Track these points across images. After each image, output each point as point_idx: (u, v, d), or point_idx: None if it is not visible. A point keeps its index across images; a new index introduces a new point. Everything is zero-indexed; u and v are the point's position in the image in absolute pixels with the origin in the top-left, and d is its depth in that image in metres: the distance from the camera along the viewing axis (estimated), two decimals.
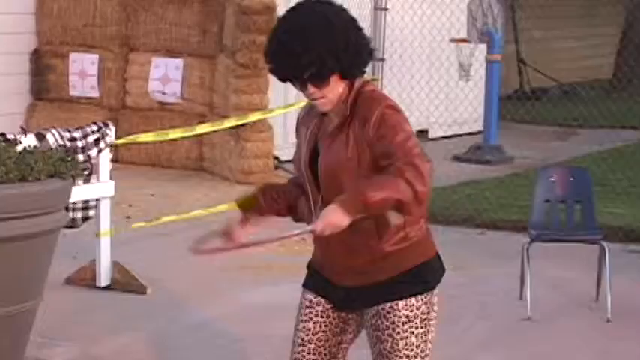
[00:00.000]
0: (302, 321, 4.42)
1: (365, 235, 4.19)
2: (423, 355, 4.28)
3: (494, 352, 7.02)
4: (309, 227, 4.08)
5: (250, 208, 4.56)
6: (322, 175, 4.24)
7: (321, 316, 4.40)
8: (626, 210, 10.89)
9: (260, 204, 4.55)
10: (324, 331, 4.40)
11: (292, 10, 4.25)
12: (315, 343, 4.40)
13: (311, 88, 4.17)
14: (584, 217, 8.22)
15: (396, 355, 4.25)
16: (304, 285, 4.48)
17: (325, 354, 4.41)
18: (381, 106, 4.14)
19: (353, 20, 4.26)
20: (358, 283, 4.27)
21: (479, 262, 9.14)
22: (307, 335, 4.40)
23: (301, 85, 4.19)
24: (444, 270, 4.42)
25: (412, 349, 4.25)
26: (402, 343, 4.24)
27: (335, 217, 3.97)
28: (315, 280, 4.44)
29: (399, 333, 4.24)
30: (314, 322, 4.40)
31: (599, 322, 7.68)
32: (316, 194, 4.29)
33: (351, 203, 3.97)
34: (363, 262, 4.25)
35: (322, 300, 4.39)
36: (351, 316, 4.41)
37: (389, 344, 4.25)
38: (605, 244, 7.91)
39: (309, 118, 4.37)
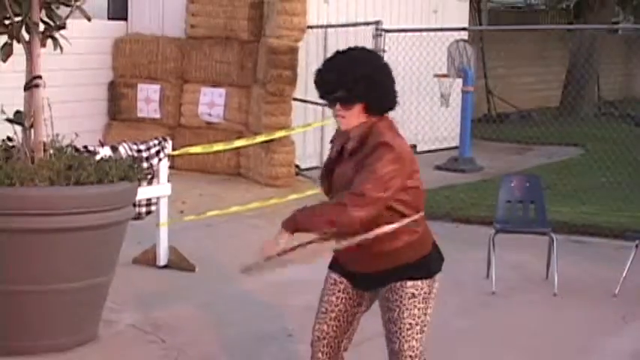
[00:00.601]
0: (326, 295, 4.43)
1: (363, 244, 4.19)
2: (422, 324, 4.29)
3: (467, 319, 6.99)
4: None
5: None
6: (335, 186, 4.26)
7: (343, 293, 4.41)
8: (570, 209, 10.83)
9: None
10: (343, 304, 4.41)
11: (346, 50, 4.28)
12: (336, 313, 4.41)
13: (338, 106, 4.17)
14: (537, 214, 8.18)
15: (401, 322, 4.25)
16: (330, 267, 4.48)
17: (343, 321, 4.42)
18: (377, 142, 4.09)
19: (387, 69, 4.24)
20: (364, 271, 4.30)
21: (455, 249, 9.05)
22: (330, 306, 4.42)
23: (331, 101, 4.19)
24: (442, 259, 4.42)
25: (414, 319, 4.26)
26: (406, 313, 4.25)
27: (273, 237, 4.18)
28: (339, 266, 4.43)
29: (404, 305, 4.24)
30: (336, 297, 4.41)
31: (548, 296, 7.64)
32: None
33: (287, 223, 4.14)
34: (365, 257, 4.26)
35: (344, 280, 4.41)
36: (366, 294, 4.42)
37: (396, 313, 4.25)
38: (553, 235, 7.88)
39: (339, 138, 4.35)
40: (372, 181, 4.02)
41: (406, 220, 4.19)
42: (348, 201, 4.01)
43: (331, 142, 4.45)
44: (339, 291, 4.41)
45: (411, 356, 4.26)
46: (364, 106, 4.16)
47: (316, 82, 4.23)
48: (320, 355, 4.43)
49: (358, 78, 4.10)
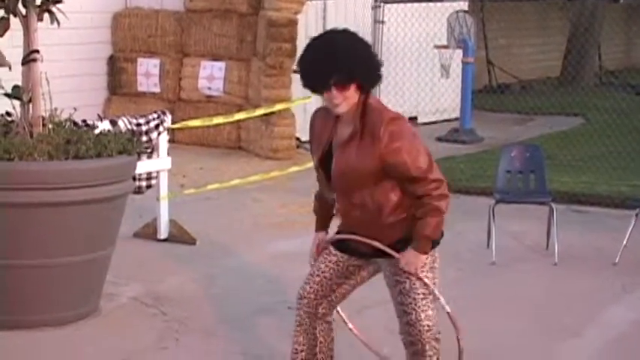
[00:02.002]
0: (319, 262, 4.52)
1: (370, 214, 4.23)
2: (430, 296, 4.34)
3: (467, 289, 7.00)
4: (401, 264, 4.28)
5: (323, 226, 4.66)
6: (335, 176, 4.27)
7: (333, 264, 4.47)
8: (571, 179, 10.84)
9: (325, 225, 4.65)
10: (330, 273, 4.48)
11: (322, 34, 4.26)
12: (320, 278, 4.49)
13: (334, 91, 4.11)
14: (537, 184, 8.18)
15: (415, 292, 4.29)
16: (331, 243, 4.52)
17: (324, 285, 4.48)
18: (385, 122, 4.11)
19: (369, 45, 4.28)
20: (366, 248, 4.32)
21: (455, 220, 9.04)
22: (317, 271, 4.50)
23: (326, 89, 4.11)
24: (442, 234, 4.42)
25: (423, 290, 4.30)
26: (418, 283, 4.29)
27: (417, 260, 4.25)
28: (341, 244, 4.46)
29: (415, 275, 4.27)
30: (325, 265, 4.48)
31: (548, 266, 7.66)
32: (329, 187, 4.36)
33: (423, 246, 4.24)
34: (374, 232, 4.28)
35: (339, 254, 4.45)
36: (358, 272, 4.47)
37: (407, 284, 4.29)
38: (553, 205, 7.88)
39: (326, 121, 4.31)
40: (426, 172, 4.17)
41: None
42: (431, 193, 4.18)
43: (313, 121, 4.40)
44: (329, 261, 4.47)
45: (429, 325, 4.30)
46: (357, 85, 4.14)
47: (306, 70, 4.16)
48: (301, 312, 4.52)
49: (351, 57, 4.09)
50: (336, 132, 4.26)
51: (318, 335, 4.52)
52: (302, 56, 4.20)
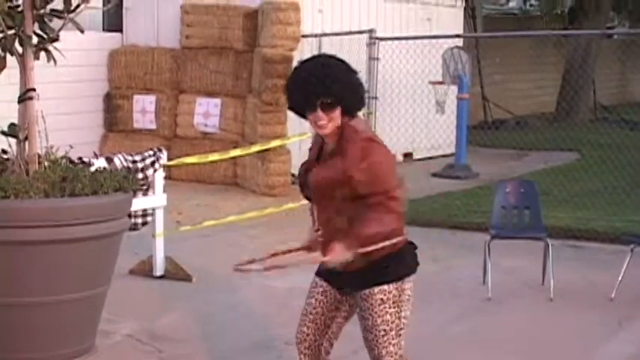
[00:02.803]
0: (308, 297, 4.53)
1: (343, 235, 4.21)
2: (397, 329, 4.31)
3: (462, 325, 7.00)
4: (322, 258, 4.26)
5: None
6: (313, 186, 4.32)
7: (321, 295, 4.47)
8: (566, 214, 10.86)
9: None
10: (321, 307, 4.48)
11: (312, 57, 4.36)
12: (313, 315, 4.48)
13: (320, 113, 4.20)
14: (533, 220, 8.20)
15: (376, 329, 4.29)
16: (316, 273, 4.54)
17: (320, 324, 4.47)
18: (358, 140, 4.17)
19: (354, 71, 4.33)
20: (346, 269, 4.28)
21: (451, 255, 9.12)
22: (309, 308, 4.50)
23: (312, 110, 4.20)
24: (416, 263, 4.41)
25: (388, 325, 4.28)
26: (379, 320, 4.28)
27: (339, 253, 4.15)
28: (322, 270, 4.48)
29: (376, 312, 4.28)
30: (315, 299, 4.49)
31: (544, 301, 7.65)
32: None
33: (350, 243, 4.14)
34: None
35: (324, 284, 4.47)
36: (345, 300, 4.46)
37: (370, 321, 4.30)
38: (548, 240, 7.89)
39: (315, 148, 4.42)
40: (387, 184, 4.15)
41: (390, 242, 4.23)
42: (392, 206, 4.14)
43: (310, 150, 4.49)
44: (317, 293, 4.48)
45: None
46: (342, 109, 4.23)
47: (296, 92, 4.24)
48: (302, 356, 4.50)
49: (339, 81, 4.17)
50: (323, 151, 4.35)
51: None
52: (291, 76, 4.30)
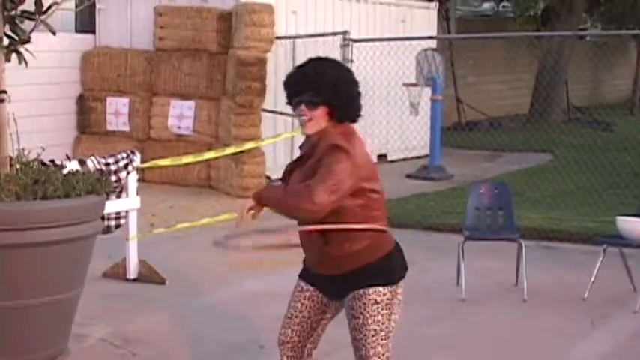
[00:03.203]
0: (293, 301, 4.51)
1: (319, 246, 4.27)
2: (387, 330, 4.31)
3: (437, 327, 7.02)
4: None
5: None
6: None
7: (308, 300, 4.46)
8: (539, 215, 10.92)
9: None
10: (307, 311, 4.47)
11: (320, 57, 4.42)
12: (299, 319, 4.48)
13: (303, 107, 4.26)
14: (506, 221, 8.23)
15: (366, 329, 4.28)
16: (299, 275, 4.53)
17: (306, 327, 4.48)
18: (330, 145, 4.17)
19: (355, 81, 4.36)
20: (332, 272, 4.32)
21: (425, 257, 9.14)
22: (295, 311, 4.49)
23: (297, 103, 4.28)
24: (405, 268, 4.42)
25: (378, 325, 4.29)
26: (370, 320, 4.28)
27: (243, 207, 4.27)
28: (307, 273, 4.48)
29: (368, 312, 4.27)
30: (301, 304, 4.47)
31: (517, 302, 7.68)
32: None
33: (255, 195, 4.27)
34: (323, 260, 4.32)
35: (310, 288, 4.46)
36: (332, 303, 4.47)
37: (361, 320, 4.29)
38: (522, 241, 7.93)
39: (304, 146, 4.44)
40: (328, 177, 4.09)
41: (362, 226, 4.22)
42: (310, 190, 4.07)
43: (300, 148, 4.51)
44: (304, 298, 4.47)
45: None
46: (328, 111, 4.23)
47: (285, 84, 4.35)
48: (285, 358, 4.50)
49: (325, 80, 4.22)
50: (305, 152, 4.38)
51: None
52: (290, 71, 4.40)
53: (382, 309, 4.28)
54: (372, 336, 4.28)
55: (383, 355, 4.31)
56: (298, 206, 4.10)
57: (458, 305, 7.59)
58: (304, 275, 4.50)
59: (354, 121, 4.36)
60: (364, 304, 4.27)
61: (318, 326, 4.51)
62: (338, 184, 4.10)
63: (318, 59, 4.39)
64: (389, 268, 4.34)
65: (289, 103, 4.36)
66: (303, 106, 4.26)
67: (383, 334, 4.30)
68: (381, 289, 4.28)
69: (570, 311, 7.44)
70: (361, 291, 4.27)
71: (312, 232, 4.27)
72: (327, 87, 4.21)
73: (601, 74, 30.51)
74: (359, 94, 4.36)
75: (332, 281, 4.36)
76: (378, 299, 4.27)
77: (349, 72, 4.39)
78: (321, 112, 4.24)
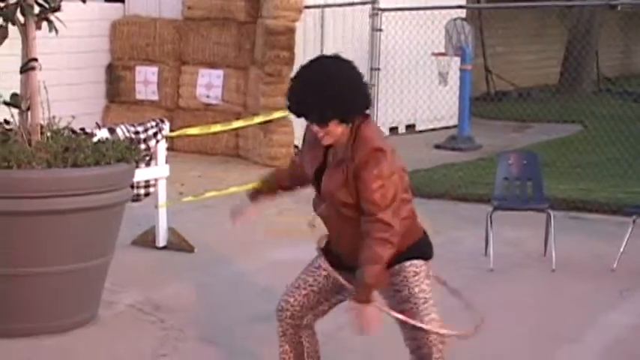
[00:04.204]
0: (305, 274, 4.47)
1: (359, 234, 4.11)
2: (430, 300, 4.31)
3: (466, 295, 7.00)
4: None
5: (266, 187, 4.74)
6: (323, 193, 4.25)
7: (323, 278, 4.42)
8: (568, 186, 10.86)
9: (273, 185, 4.74)
10: (318, 287, 4.44)
11: (308, 67, 4.21)
12: (307, 291, 4.44)
13: (315, 127, 4.15)
14: (535, 191, 8.20)
15: (415, 297, 4.27)
16: (322, 251, 4.46)
17: (312, 299, 4.44)
18: (368, 149, 4.08)
19: (356, 75, 4.19)
20: (355, 264, 4.15)
21: (453, 227, 9.13)
22: (304, 284, 4.45)
23: (309, 123, 4.18)
24: (431, 248, 4.42)
25: (426, 293, 4.29)
26: (417, 289, 4.28)
27: (364, 315, 4.06)
28: (332, 255, 4.41)
29: (412, 282, 4.27)
30: (314, 279, 4.44)
31: (546, 272, 7.67)
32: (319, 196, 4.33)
33: (364, 294, 4.04)
34: (357, 252, 4.15)
35: (329, 267, 4.38)
36: (348, 287, 4.34)
37: (406, 291, 4.27)
38: (551, 212, 7.90)
39: (318, 141, 4.28)
40: (385, 200, 4.03)
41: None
42: (373, 233, 4.03)
43: (306, 132, 4.37)
44: (319, 275, 4.41)
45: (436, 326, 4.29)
46: (339, 121, 4.12)
47: (288, 106, 4.20)
48: (284, 324, 4.46)
49: (328, 99, 4.06)
50: (328, 154, 4.27)
51: (303, 342, 4.51)
52: (288, 89, 4.22)
53: (423, 279, 4.29)
54: (423, 304, 4.26)
55: (439, 321, 4.28)
56: (374, 258, 4.01)
57: (486, 275, 7.59)
58: (328, 252, 4.43)
59: (365, 111, 4.25)
60: (405, 277, 4.27)
61: (325, 303, 4.47)
62: (394, 199, 4.05)
63: (316, 68, 4.17)
64: (421, 249, 4.36)
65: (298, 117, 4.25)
66: (314, 126, 4.14)
67: (432, 301, 4.29)
68: (416, 262, 4.29)
69: (599, 282, 7.42)
70: (397, 267, 4.24)
71: (344, 230, 4.22)
72: (331, 104, 4.06)
73: (632, 44, 30.17)
74: (364, 85, 4.21)
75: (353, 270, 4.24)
76: (417, 270, 4.28)
77: (350, 69, 4.18)
78: (332, 125, 4.11)
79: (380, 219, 4.02)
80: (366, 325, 4.08)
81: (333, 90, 4.08)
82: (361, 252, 4.04)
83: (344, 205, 4.16)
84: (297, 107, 4.16)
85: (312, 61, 4.25)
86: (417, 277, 4.28)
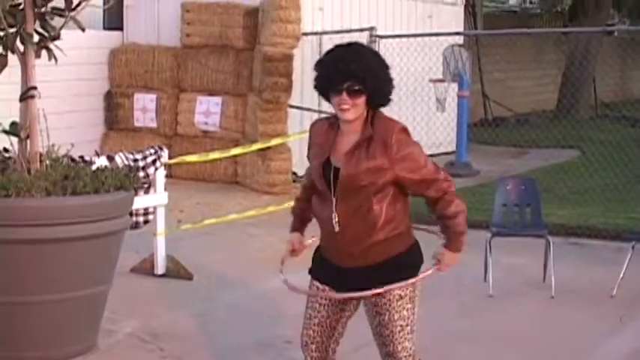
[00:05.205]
0: (310, 302, 4.49)
1: (366, 226, 4.21)
2: (412, 324, 4.33)
3: (464, 322, 7.01)
4: (434, 269, 4.35)
5: (301, 229, 4.74)
6: (341, 183, 4.23)
7: (325, 299, 4.43)
8: (567, 211, 10.87)
9: (303, 223, 4.75)
10: (325, 311, 4.45)
11: (348, 43, 4.33)
12: (319, 319, 4.46)
13: (345, 96, 4.17)
14: (534, 217, 8.20)
15: (393, 325, 4.28)
16: (312, 276, 4.50)
17: (327, 326, 4.46)
18: (395, 130, 4.20)
19: (388, 68, 4.32)
20: (356, 265, 4.27)
21: None
22: (314, 312, 4.47)
23: (338, 92, 4.18)
24: (422, 259, 4.42)
25: (405, 320, 4.29)
26: (396, 316, 4.28)
27: (456, 259, 4.41)
28: (322, 270, 4.44)
29: (394, 307, 4.27)
30: (319, 304, 4.45)
31: (545, 299, 7.65)
32: (330, 197, 4.27)
33: (460, 244, 4.39)
34: (361, 248, 4.25)
35: (326, 288, 4.41)
36: (350, 301, 4.42)
37: (387, 316, 4.29)
38: (549, 238, 7.90)
39: (326, 131, 4.35)
40: (436, 175, 4.28)
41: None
42: (447, 190, 4.30)
43: (311, 140, 4.41)
44: (321, 298, 4.44)
45: (405, 356, 4.31)
46: (367, 98, 4.20)
47: (326, 71, 4.23)
48: (310, 359, 4.49)
49: (367, 70, 4.17)
50: (336, 144, 4.29)
51: None
52: (324, 57, 4.30)
53: (407, 303, 4.28)
54: (399, 332, 4.28)
55: (410, 349, 4.31)
56: (460, 208, 4.36)
57: (485, 301, 7.58)
58: (317, 275, 4.47)
59: (386, 105, 4.34)
60: (389, 300, 4.27)
61: (338, 325, 4.48)
62: (434, 163, 4.31)
63: (354, 45, 4.29)
64: (411, 262, 4.33)
65: (326, 89, 4.26)
66: (344, 95, 4.17)
67: (409, 328, 4.30)
68: (403, 283, 4.26)
69: (598, 308, 7.40)
70: (384, 287, 4.23)
71: (359, 216, 4.24)
72: (369, 76, 4.16)
73: (629, 70, 30.29)
74: (392, 79, 4.32)
75: (352, 274, 4.31)
76: (402, 294, 4.27)
77: (382, 58, 4.34)
78: (361, 100, 4.19)
79: (445, 178, 4.30)
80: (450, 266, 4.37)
81: (383, 70, 4.26)
82: (443, 209, 4.31)
83: (360, 189, 4.19)
84: (338, 69, 4.18)
85: (360, 43, 4.44)
86: (400, 302, 4.28)
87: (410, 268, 4.31)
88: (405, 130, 4.24)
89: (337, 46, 4.31)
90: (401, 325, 4.28)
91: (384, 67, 4.28)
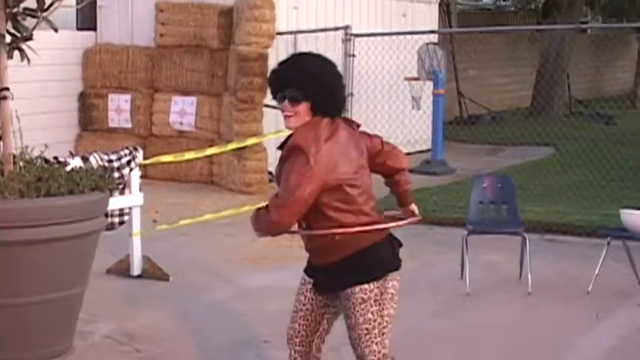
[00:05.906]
0: (298, 294, 4.53)
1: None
2: (380, 327, 4.28)
3: (441, 321, 7.02)
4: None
5: None
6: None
7: (309, 292, 4.47)
8: (542, 208, 10.91)
9: None
10: (310, 304, 4.47)
11: (303, 53, 4.45)
12: (304, 312, 4.48)
13: (286, 104, 4.24)
14: (510, 215, 8.22)
15: (358, 328, 4.28)
16: (304, 269, 4.54)
17: (311, 320, 4.48)
18: (290, 145, 4.17)
19: (338, 75, 4.33)
20: (321, 262, 4.34)
21: (429, 251, 9.14)
22: (299, 305, 4.50)
23: (281, 99, 4.26)
24: (394, 262, 4.36)
25: (370, 323, 4.26)
26: (361, 319, 4.27)
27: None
28: (308, 265, 4.51)
29: (358, 311, 4.26)
30: (304, 296, 4.49)
31: (522, 296, 7.68)
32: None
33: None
34: (316, 247, 4.34)
35: (312, 281, 4.46)
36: (334, 297, 4.43)
37: (352, 320, 4.29)
38: (525, 235, 7.92)
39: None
40: (286, 187, 4.13)
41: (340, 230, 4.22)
42: (269, 209, 4.20)
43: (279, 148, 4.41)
44: (306, 290, 4.48)
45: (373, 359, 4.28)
46: (310, 107, 4.22)
47: (268, 80, 4.35)
48: (293, 352, 4.51)
49: (307, 76, 4.19)
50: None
51: None
52: (272, 70, 4.39)
53: (371, 306, 4.25)
54: (365, 335, 4.26)
55: (379, 352, 4.27)
56: (265, 228, 4.27)
57: (462, 299, 7.59)
58: (307, 269, 4.52)
59: (337, 115, 4.30)
60: (353, 304, 4.26)
61: (323, 320, 4.49)
62: (294, 195, 4.09)
63: (301, 54, 4.39)
64: (372, 262, 4.28)
65: (274, 98, 4.35)
66: (286, 102, 4.23)
67: (376, 331, 4.26)
68: (366, 286, 4.24)
69: (575, 305, 7.43)
70: (348, 291, 4.26)
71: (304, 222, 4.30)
72: (309, 82, 4.17)
73: (603, 67, 30.45)
74: (342, 87, 4.33)
75: (324, 272, 4.35)
76: (365, 297, 4.24)
77: (333, 66, 4.34)
78: (303, 107, 4.21)
79: (282, 198, 4.20)
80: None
81: (318, 69, 4.24)
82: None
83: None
84: (278, 77, 4.25)
85: (309, 52, 4.48)
86: (363, 305, 4.25)
87: (365, 272, 4.26)
88: (297, 148, 4.12)
89: (292, 54, 4.42)
90: (367, 329, 4.26)
91: (331, 74, 4.28)
